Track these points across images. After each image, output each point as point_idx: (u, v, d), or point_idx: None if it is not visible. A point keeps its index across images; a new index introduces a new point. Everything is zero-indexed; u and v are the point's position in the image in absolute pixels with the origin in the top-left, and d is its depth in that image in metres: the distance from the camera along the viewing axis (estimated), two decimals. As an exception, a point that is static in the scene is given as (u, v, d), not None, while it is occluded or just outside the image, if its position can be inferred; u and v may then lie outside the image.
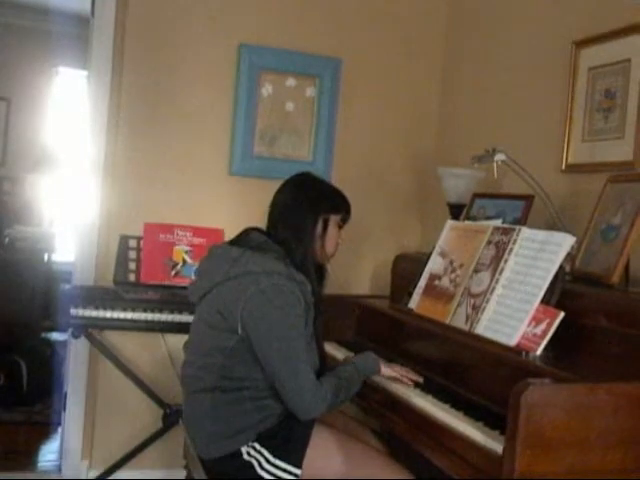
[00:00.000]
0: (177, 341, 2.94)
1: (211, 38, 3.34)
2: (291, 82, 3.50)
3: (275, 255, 2.12)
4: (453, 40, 3.63)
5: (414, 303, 2.58)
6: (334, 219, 2.25)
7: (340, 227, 2.28)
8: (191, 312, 2.89)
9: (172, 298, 3.01)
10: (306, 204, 2.21)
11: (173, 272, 3.12)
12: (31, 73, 6.52)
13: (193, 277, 3.05)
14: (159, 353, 3.25)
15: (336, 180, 3.06)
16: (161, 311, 2.95)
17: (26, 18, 6.62)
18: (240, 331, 2.04)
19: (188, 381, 2.20)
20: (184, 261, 3.13)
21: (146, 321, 2.90)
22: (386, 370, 2.24)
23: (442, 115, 3.66)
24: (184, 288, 3.10)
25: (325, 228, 2.22)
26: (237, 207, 3.33)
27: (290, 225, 2.18)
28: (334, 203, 2.26)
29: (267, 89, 3.47)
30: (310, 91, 3.53)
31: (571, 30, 2.72)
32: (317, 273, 2.24)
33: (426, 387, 2.19)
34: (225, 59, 3.39)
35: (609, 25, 2.53)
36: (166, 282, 3.11)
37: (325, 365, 2.24)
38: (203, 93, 3.36)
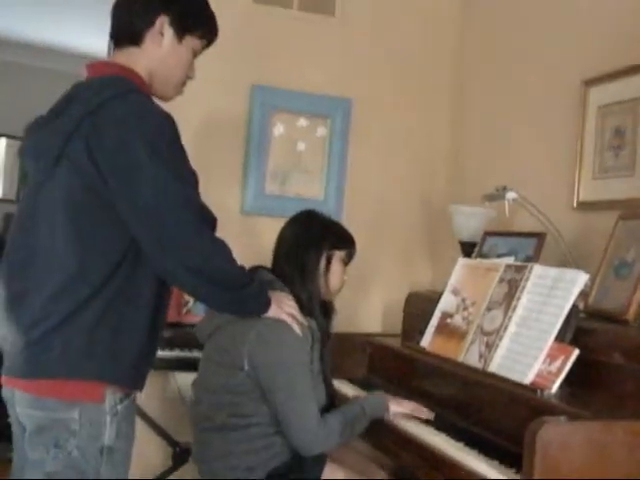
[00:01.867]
0: (187, 379, 2.93)
1: (224, 79, 3.38)
2: (302, 122, 3.54)
3: (278, 289, 2.14)
4: (463, 78, 3.66)
5: (426, 341, 2.57)
6: (338, 255, 2.26)
7: (345, 263, 2.29)
8: (201, 350, 2.90)
9: (183, 336, 3.01)
10: (309, 241, 2.24)
11: (184, 310, 3.13)
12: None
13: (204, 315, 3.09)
14: (169, 391, 3.23)
15: (348, 218, 3.07)
16: (171, 349, 2.95)
17: (41, 59, 6.75)
18: (246, 367, 2.04)
19: (197, 420, 2.19)
20: (195, 299, 3.13)
21: (156, 359, 2.89)
22: (395, 408, 2.22)
23: (452, 153, 3.68)
24: (194, 326, 3.11)
25: (329, 264, 2.24)
26: (249, 245, 3.33)
27: (294, 262, 2.21)
28: (338, 239, 2.28)
29: (279, 129, 3.51)
30: (321, 131, 3.56)
31: (580, 69, 2.75)
32: (323, 310, 2.25)
33: (440, 425, 2.17)
34: (238, 99, 3.43)
35: (618, 64, 2.55)
36: (176, 320, 3.11)
37: (334, 402, 2.23)
38: (215, 133, 3.40)
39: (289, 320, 2.01)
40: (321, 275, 2.22)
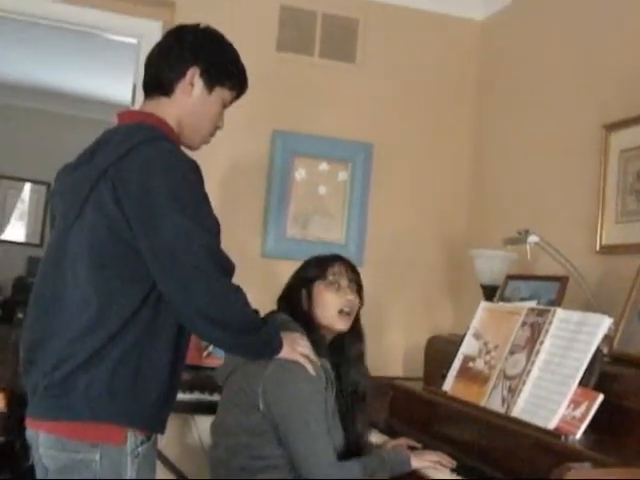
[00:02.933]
0: (207, 422, 2.91)
1: (246, 124, 3.43)
2: (324, 167, 3.57)
3: (292, 329, 2.14)
4: (483, 122, 3.69)
5: (448, 385, 2.54)
6: (318, 285, 2.25)
7: (334, 283, 2.25)
8: (221, 393, 2.90)
9: (203, 379, 3.00)
10: (291, 286, 2.31)
11: (205, 353, 3.12)
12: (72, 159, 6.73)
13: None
14: (189, 434, 3.22)
15: (369, 261, 3.08)
16: (192, 392, 2.94)
17: (66, 106, 6.88)
18: (262, 407, 2.03)
19: (216, 464, 2.18)
20: (216, 341, 3.12)
21: (176, 402, 2.89)
22: (417, 463, 2.18)
23: (473, 197, 3.69)
24: (215, 369, 3.11)
25: (310, 298, 2.24)
26: (270, 288, 3.33)
27: (289, 309, 2.24)
28: (309, 271, 2.30)
29: (300, 173, 3.54)
30: (342, 175, 3.59)
31: (601, 113, 2.76)
32: (352, 333, 2.26)
33: (461, 470, 2.14)
34: (260, 144, 3.47)
35: (639, 109, 2.56)
36: (197, 363, 3.10)
37: (360, 444, 2.20)
38: (238, 177, 3.43)
39: (302, 360, 2.01)
40: (312, 311, 2.23)
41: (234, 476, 2.08)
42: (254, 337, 1.83)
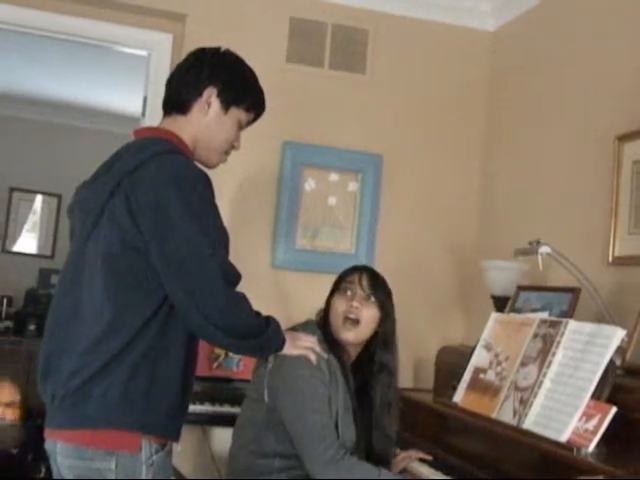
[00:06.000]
0: (219, 434, 2.91)
1: (256, 135, 3.42)
2: (334, 177, 3.57)
3: (310, 331, 2.17)
4: (494, 134, 3.68)
5: (459, 397, 2.53)
6: (335, 294, 2.26)
7: (345, 289, 2.26)
8: (232, 405, 2.90)
9: (213, 390, 3.00)
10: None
11: (215, 364, 3.12)
12: (83, 172, 6.76)
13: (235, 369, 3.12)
14: (199, 446, 3.21)
15: (379, 272, 3.06)
16: (202, 403, 2.94)
17: (76, 118, 6.91)
18: (267, 398, 2.07)
19: (228, 466, 2.20)
20: (226, 353, 3.12)
21: (187, 413, 2.88)
22: None
23: (483, 208, 3.68)
24: (225, 380, 3.11)
25: (328, 307, 2.26)
26: (279, 299, 3.34)
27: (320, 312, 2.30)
28: (336, 279, 2.31)
29: (310, 184, 3.54)
30: (352, 186, 3.59)
31: (613, 125, 2.74)
32: (375, 343, 2.27)
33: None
34: (270, 155, 3.47)
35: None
36: (207, 374, 3.10)
37: (383, 455, 2.21)
38: (248, 188, 3.43)
39: (304, 352, 2.05)
40: (328, 320, 2.24)
41: (241, 475, 2.10)
42: (259, 339, 1.87)
